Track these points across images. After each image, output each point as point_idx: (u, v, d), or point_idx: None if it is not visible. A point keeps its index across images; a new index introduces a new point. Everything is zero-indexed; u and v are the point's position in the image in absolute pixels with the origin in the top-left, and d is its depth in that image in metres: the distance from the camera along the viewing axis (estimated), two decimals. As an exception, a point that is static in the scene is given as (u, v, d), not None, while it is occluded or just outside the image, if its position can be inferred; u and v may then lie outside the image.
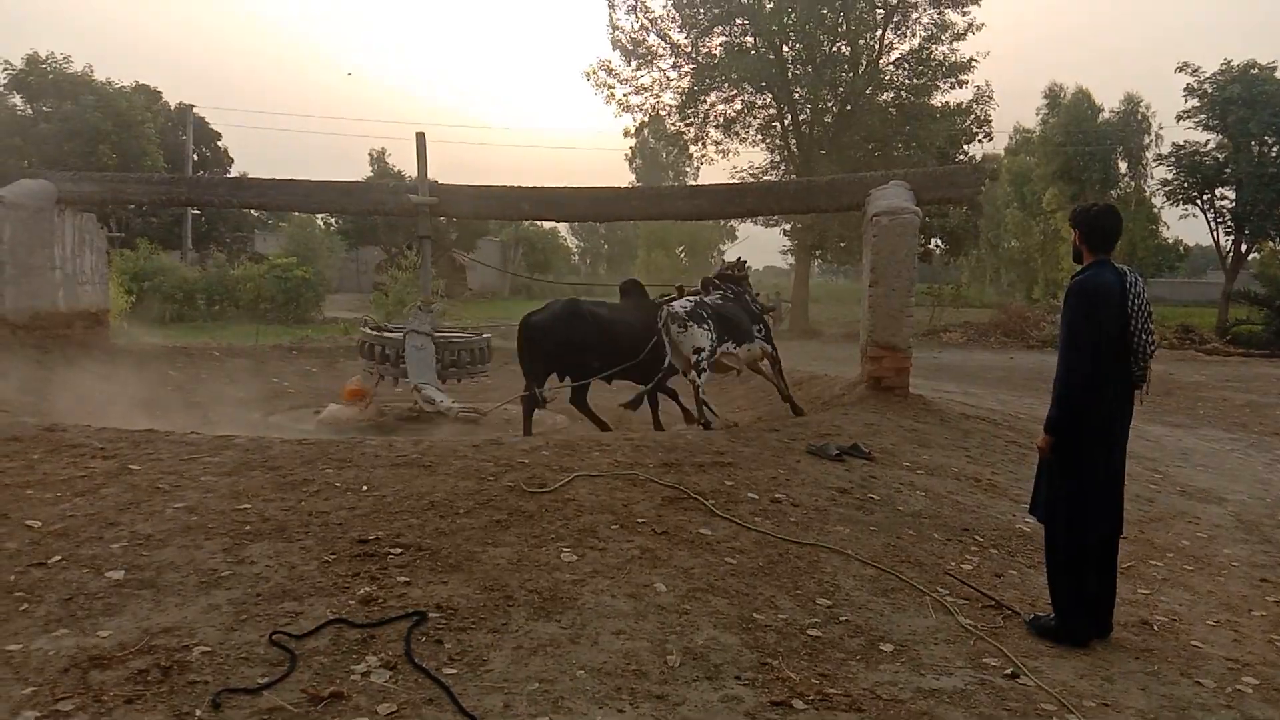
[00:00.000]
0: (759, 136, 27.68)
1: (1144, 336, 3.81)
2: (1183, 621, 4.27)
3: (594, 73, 27.14)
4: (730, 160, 37.42)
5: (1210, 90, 27.06)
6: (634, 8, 26.14)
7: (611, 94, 27.24)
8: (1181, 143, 28.65)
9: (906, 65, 26.19)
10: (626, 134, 37.17)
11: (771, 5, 24.96)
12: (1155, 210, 32.81)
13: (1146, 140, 32.65)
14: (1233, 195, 27.94)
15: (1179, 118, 28.04)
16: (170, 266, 25.58)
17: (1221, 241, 29.01)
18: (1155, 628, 4.13)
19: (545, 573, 3.88)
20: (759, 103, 26.95)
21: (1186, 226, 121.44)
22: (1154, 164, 31.48)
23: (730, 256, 42.70)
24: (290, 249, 29.88)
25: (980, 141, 27.50)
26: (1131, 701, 3.35)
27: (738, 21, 25.62)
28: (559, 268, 48.67)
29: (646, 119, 29.17)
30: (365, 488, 4.77)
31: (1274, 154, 27.11)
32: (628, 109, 27.73)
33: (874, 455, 6.30)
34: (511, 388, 11.47)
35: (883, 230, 8.40)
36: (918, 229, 8.52)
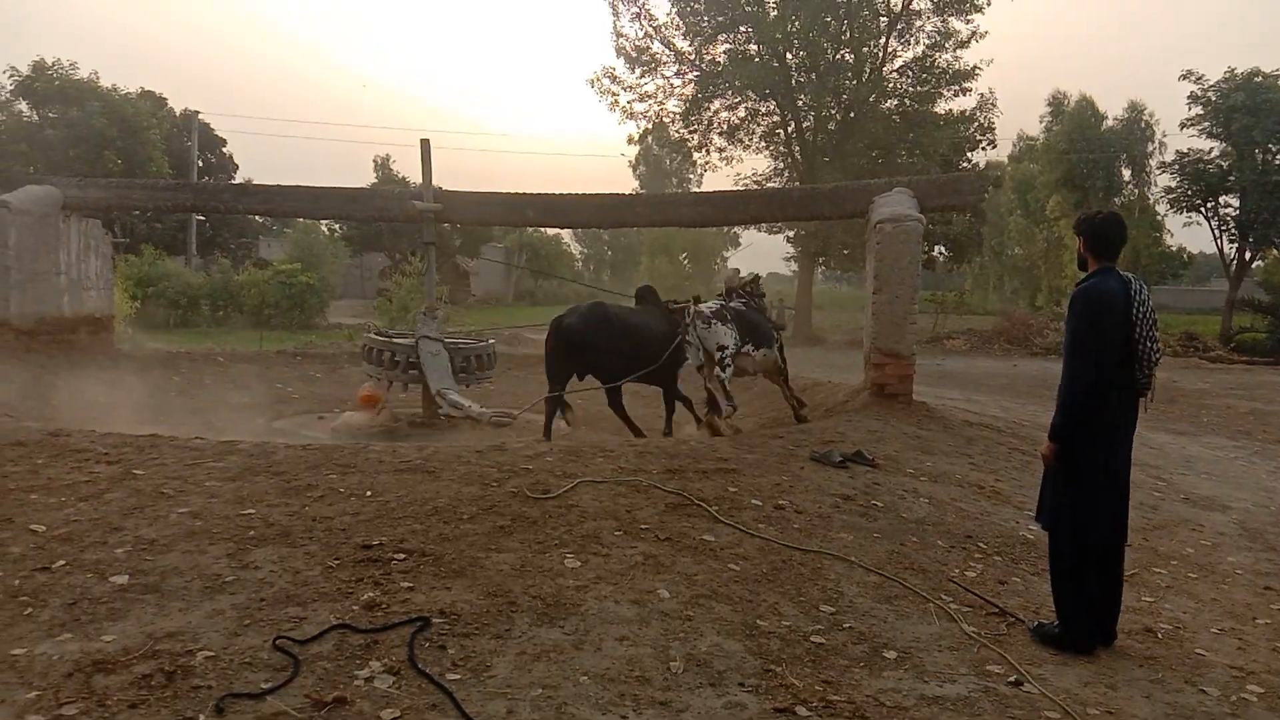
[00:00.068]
0: (763, 143, 27.75)
1: (1149, 344, 3.81)
2: (1187, 629, 4.26)
3: (598, 79, 27.28)
4: (734, 167, 37.59)
5: (1214, 98, 27.07)
6: (638, 15, 26.29)
7: (616, 101, 27.41)
8: (1185, 150, 28.77)
9: (910, 73, 26.23)
10: (630, 141, 37.26)
11: (775, 13, 24.99)
12: (1159, 218, 32.88)
13: (1150, 148, 32.80)
14: (1236, 203, 27.95)
15: (1183, 125, 28.13)
16: (175, 272, 25.70)
17: (1225, 249, 29.02)
18: (1159, 635, 4.12)
19: (549, 578, 3.87)
20: (763, 110, 27.01)
21: (1190, 234, 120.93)
22: (1157, 171, 31.62)
23: (733, 263, 42.81)
24: (295, 255, 30.01)
25: (984, 149, 27.54)
26: (1136, 709, 3.34)
27: (742, 29, 25.66)
28: (563, 274, 48.74)
29: (650, 126, 29.26)
30: (369, 493, 4.78)
31: (1278, 161, 27.10)
32: (632, 116, 27.94)
33: (877, 462, 6.29)
34: (513, 392, 11.51)
35: (886, 237, 8.41)
36: (921, 236, 8.53)
